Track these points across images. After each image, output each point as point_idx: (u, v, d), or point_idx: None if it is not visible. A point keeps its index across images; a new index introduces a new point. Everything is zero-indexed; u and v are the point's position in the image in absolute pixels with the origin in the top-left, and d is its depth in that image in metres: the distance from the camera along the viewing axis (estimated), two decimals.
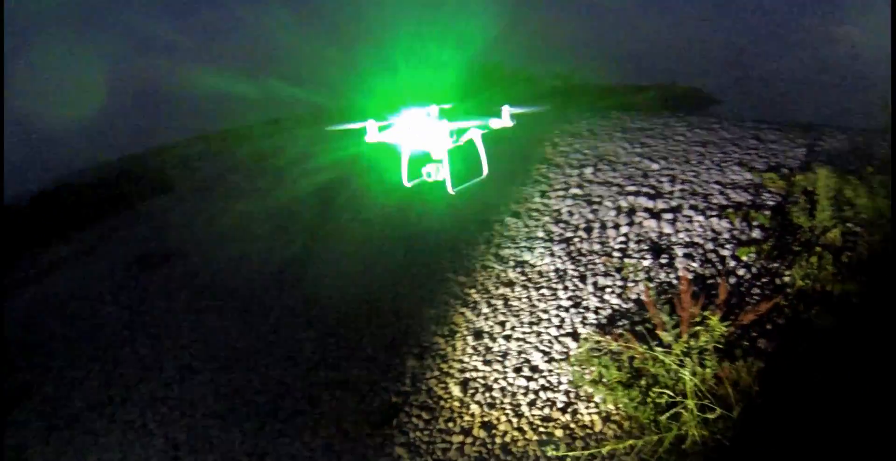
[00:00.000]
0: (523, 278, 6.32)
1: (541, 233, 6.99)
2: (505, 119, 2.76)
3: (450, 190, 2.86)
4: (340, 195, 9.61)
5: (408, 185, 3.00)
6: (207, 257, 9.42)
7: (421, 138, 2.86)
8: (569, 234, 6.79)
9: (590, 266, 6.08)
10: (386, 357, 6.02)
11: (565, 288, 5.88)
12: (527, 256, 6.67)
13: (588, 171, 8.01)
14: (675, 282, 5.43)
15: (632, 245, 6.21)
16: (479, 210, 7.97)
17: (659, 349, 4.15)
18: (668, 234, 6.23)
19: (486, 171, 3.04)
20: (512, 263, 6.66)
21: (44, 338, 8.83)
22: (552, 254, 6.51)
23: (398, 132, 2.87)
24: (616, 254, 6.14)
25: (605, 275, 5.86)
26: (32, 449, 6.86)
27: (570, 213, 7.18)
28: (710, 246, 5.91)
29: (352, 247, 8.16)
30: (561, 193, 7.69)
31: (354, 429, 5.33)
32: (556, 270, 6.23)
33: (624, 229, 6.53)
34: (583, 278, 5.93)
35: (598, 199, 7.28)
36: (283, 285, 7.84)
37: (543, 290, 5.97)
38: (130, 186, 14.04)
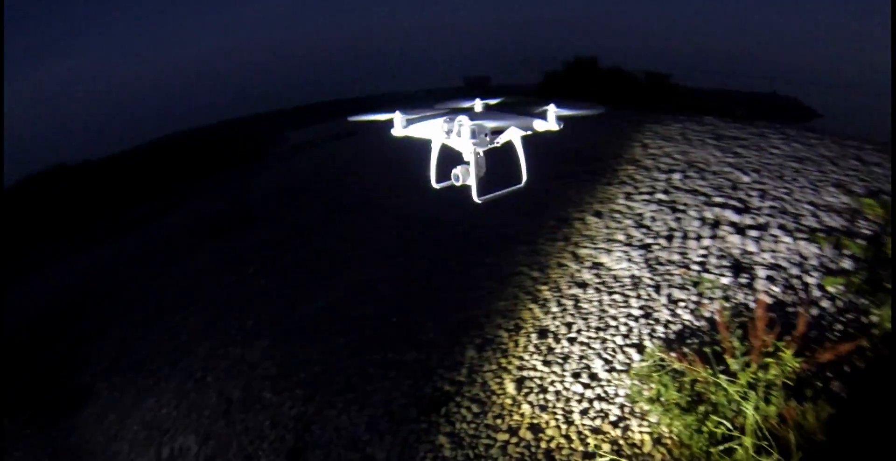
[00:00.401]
0: (597, 281, 6.30)
1: (621, 237, 6.93)
2: (550, 121, 2.40)
3: (475, 198, 2.54)
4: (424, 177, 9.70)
5: (436, 186, 2.71)
6: (281, 225, 9.71)
7: (453, 135, 2.54)
8: (649, 241, 6.71)
9: (666, 276, 6.01)
10: (446, 343, 6.12)
11: (638, 296, 5.83)
12: (604, 258, 6.64)
13: (676, 176, 7.87)
14: (752, 305, 5.30)
15: (712, 259, 6.09)
16: (561, 205, 7.95)
17: (723, 376, 4.05)
18: (752, 253, 6.07)
19: (524, 178, 2.69)
20: (588, 264, 6.64)
21: (117, 289, 9.34)
22: (629, 260, 6.46)
23: (428, 127, 2.56)
24: (695, 267, 6.04)
25: (681, 287, 5.78)
26: (97, 388, 7.36)
27: (653, 219, 7.09)
28: (794, 271, 5.74)
29: (428, 229, 8.27)
30: (646, 197, 7.59)
31: (401, 411, 5.44)
32: (632, 277, 6.17)
33: (706, 242, 6.41)
34: (657, 288, 5.87)
35: (683, 207, 7.16)
36: (351, 261, 8.03)
37: (616, 296, 5.94)
38: (220, 151, 14.58)
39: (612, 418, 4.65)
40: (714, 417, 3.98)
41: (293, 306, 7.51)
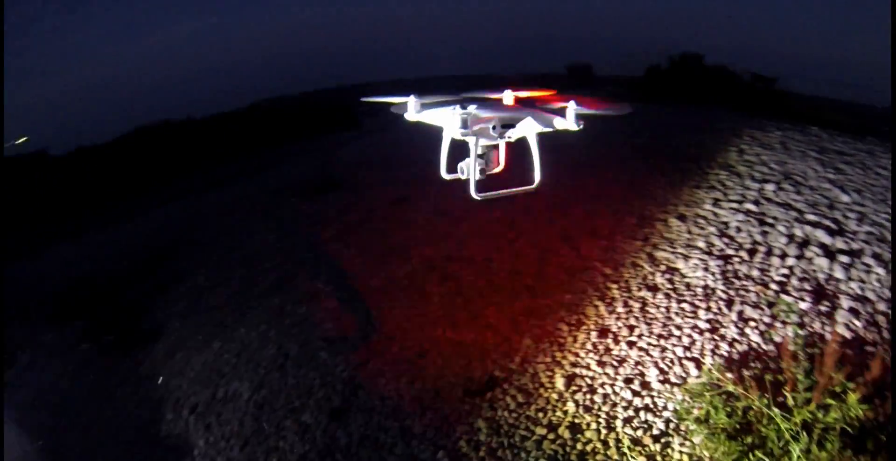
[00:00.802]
0: (669, 286, 6.17)
1: (701, 244, 6.75)
2: (569, 120, 2.22)
3: (473, 194, 2.35)
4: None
5: (446, 177, 2.54)
6: (370, 193, 9.85)
7: (488, 125, 2.36)
8: (730, 252, 6.51)
9: (741, 292, 5.83)
10: (505, 329, 6.15)
11: (708, 308, 5.68)
12: (680, 264, 6.49)
13: (769, 187, 7.57)
14: (827, 336, 5.06)
15: (794, 281, 5.86)
16: (646, 203, 7.80)
17: (778, 410, 3.86)
18: (838, 280, 5.79)
19: (538, 179, 2.47)
20: (663, 268, 6.51)
21: (205, 238, 9.72)
22: (706, 269, 6.29)
23: (440, 114, 2.34)
24: (774, 286, 5.83)
25: (755, 306, 5.60)
26: (171, 326, 7.77)
27: (738, 230, 6.86)
28: (882, 306, 5.42)
29: (516, 212, 8.24)
30: (734, 205, 7.34)
31: (448, 389, 5.56)
32: (706, 287, 6.02)
33: (790, 261, 6.16)
34: (730, 303, 5.70)
35: (771, 221, 6.89)
36: (432, 236, 8.09)
37: (685, 305, 5.81)
38: (321, 118, 14.86)
39: (655, 432, 4.58)
40: (759, 453, 3.78)
41: (364, 273, 7.68)
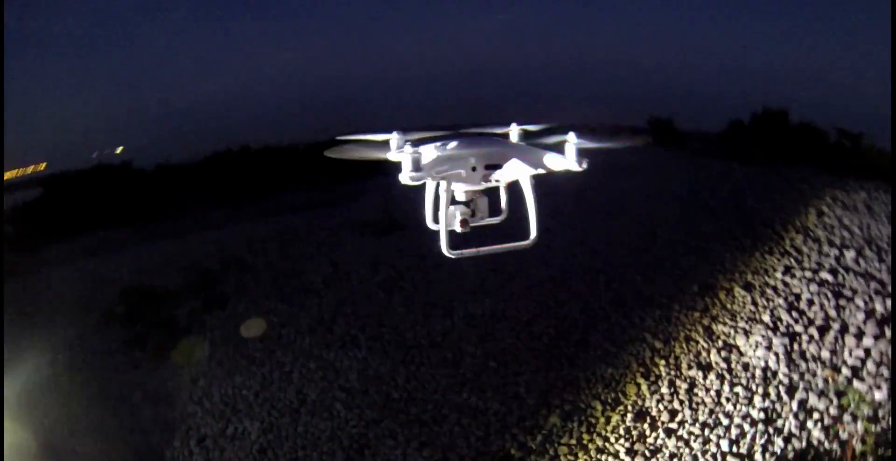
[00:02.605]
0: (723, 365, 5.52)
1: (766, 318, 6.06)
2: (569, 158, 1.74)
3: (444, 250, 1.87)
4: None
5: (432, 227, 2.03)
6: (424, 241, 9.52)
7: (450, 170, 1.88)
8: (798, 329, 5.79)
9: (807, 377, 5.12)
10: (534, 402, 5.67)
11: (766, 395, 5.00)
12: (739, 341, 5.82)
13: (850, 255, 6.79)
14: None
15: (870, 366, 5.11)
16: (711, 270, 7.16)
17: None
18: None
19: (534, 234, 1.98)
20: (720, 344, 5.86)
21: (258, 266, 9.65)
22: (769, 348, 5.60)
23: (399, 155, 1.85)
24: (845, 371, 5.09)
25: (821, 394, 4.88)
26: (203, 350, 7.72)
27: (810, 303, 6.13)
28: None
29: (561, 272, 7.75)
30: (808, 275, 6.61)
31: (459, 458, 5.20)
32: (766, 369, 5.34)
33: (868, 342, 5.39)
34: (791, 390, 5.00)
35: (849, 294, 6.13)
36: (477, 292, 7.66)
37: (739, 389, 5.15)
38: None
39: None
40: None
41: (403, 324, 7.34)
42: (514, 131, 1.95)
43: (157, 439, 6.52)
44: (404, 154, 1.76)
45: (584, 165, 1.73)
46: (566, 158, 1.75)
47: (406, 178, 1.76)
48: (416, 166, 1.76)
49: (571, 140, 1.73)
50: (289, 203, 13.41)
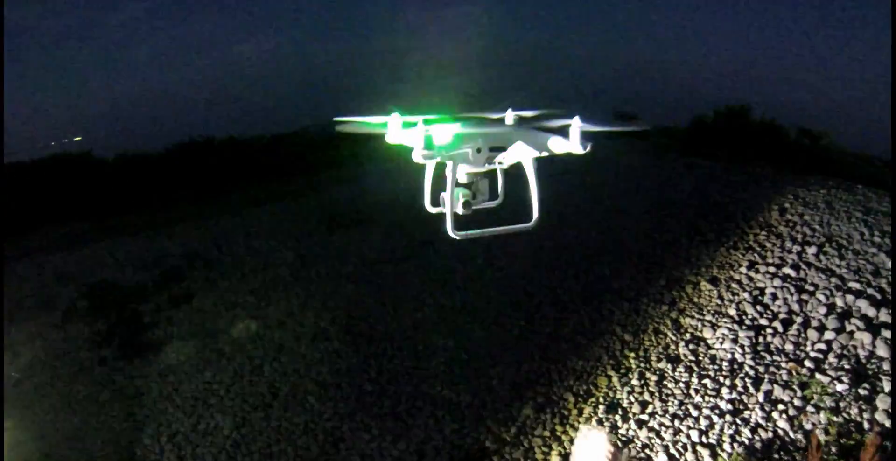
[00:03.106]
0: (692, 358, 5.65)
1: (732, 311, 6.21)
2: (573, 141, 1.77)
3: (450, 231, 1.87)
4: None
5: (431, 210, 2.05)
6: (392, 234, 9.51)
7: (451, 150, 1.88)
8: (762, 322, 5.95)
9: (772, 369, 5.26)
10: (507, 393, 5.76)
11: (732, 386, 5.14)
12: (707, 334, 5.96)
13: (811, 251, 6.98)
14: (868, 426, 4.44)
15: (831, 358, 5.27)
16: (677, 264, 7.30)
17: None
18: (882, 359, 5.16)
19: (535, 216, 1.98)
20: (687, 336, 6.00)
21: (224, 260, 9.57)
22: (735, 341, 5.74)
23: (411, 134, 1.87)
24: (808, 363, 5.24)
25: (785, 386, 5.02)
26: (171, 346, 7.77)
27: (774, 297, 6.30)
28: None
29: (529, 266, 7.82)
30: (772, 270, 6.78)
31: (433, 454, 5.25)
32: (732, 361, 5.47)
33: (829, 335, 5.56)
34: (757, 382, 5.14)
35: (811, 288, 6.31)
36: (446, 285, 7.70)
37: (707, 381, 5.28)
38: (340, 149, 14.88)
39: None
40: None
41: (373, 316, 7.35)
42: (509, 116, 2.00)
43: (128, 437, 6.44)
44: (417, 133, 1.79)
45: (588, 148, 1.81)
46: (570, 141, 1.81)
47: (419, 156, 1.80)
48: (429, 145, 1.79)
49: (576, 123, 1.78)
50: (253, 196, 13.28)
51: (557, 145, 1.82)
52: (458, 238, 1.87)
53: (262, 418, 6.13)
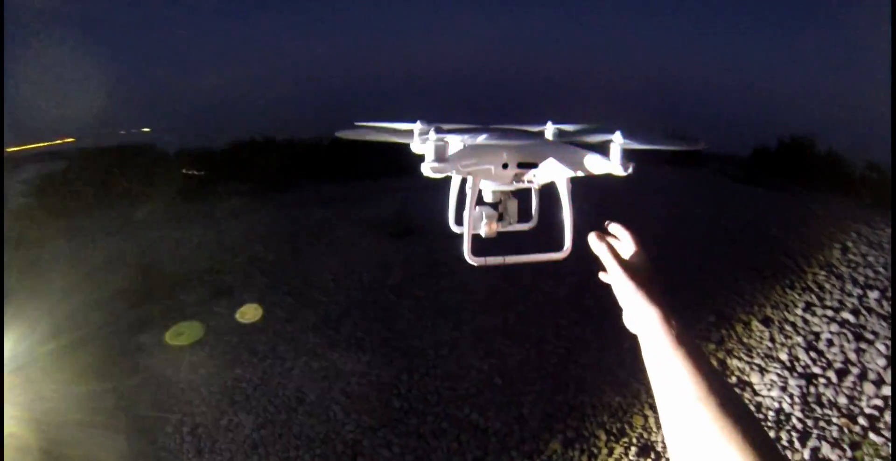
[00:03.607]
0: None
1: (784, 356, 5.90)
2: (613, 160, 1.45)
3: (467, 257, 1.58)
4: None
5: (455, 230, 1.79)
6: (438, 247, 9.40)
7: (478, 164, 1.60)
8: (815, 370, 5.64)
9: (821, 423, 4.96)
10: (536, 424, 5.56)
11: (776, 440, 4.84)
12: (754, 378, 5.67)
13: (873, 295, 6.62)
14: None
15: (887, 417, 4.95)
16: (728, 300, 7.01)
17: None
18: None
19: (568, 246, 1.69)
20: (734, 379, 5.71)
21: (269, 258, 9.56)
22: (784, 389, 5.44)
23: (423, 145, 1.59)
24: (862, 420, 4.93)
25: (834, 444, 4.72)
26: (206, 339, 7.60)
27: (830, 343, 5.98)
28: None
29: (577, 290, 7.60)
30: (830, 313, 6.45)
31: None
32: (779, 411, 5.18)
33: (887, 390, 5.23)
34: (804, 437, 4.84)
35: (871, 337, 5.97)
36: (487, 305, 7.54)
37: None
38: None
39: None
40: None
41: (410, 331, 7.22)
42: (549, 130, 1.70)
43: (152, 423, 6.43)
44: (428, 141, 1.48)
45: (631, 170, 1.44)
46: (610, 161, 1.46)
47: (427, 169, 1.45)
48: (441, 156, 1.47)
49: (617, 140, 1.45)
50: (302, 197, 13.35)
51: (595, 164, 1.50)
52: (475, 264, 1.59)
53: (285, 421, 6.04)
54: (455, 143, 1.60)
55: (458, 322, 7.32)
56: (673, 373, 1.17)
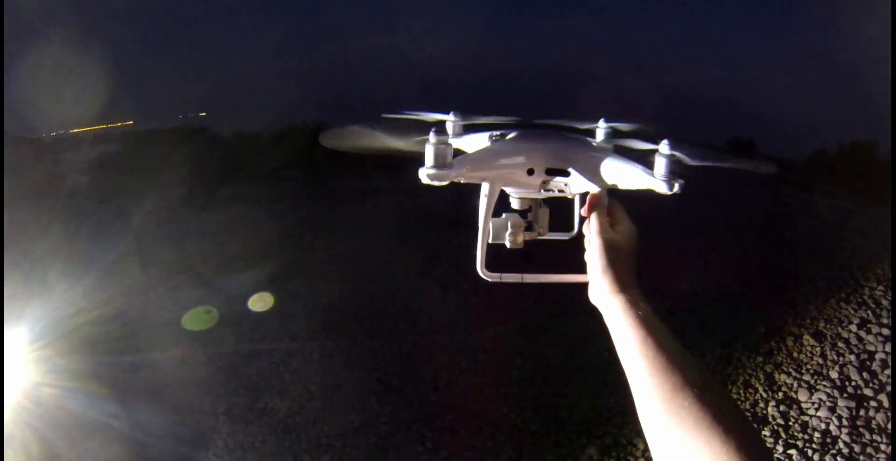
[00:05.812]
0: (780, 421, 5.28)
1: (834, 375, 5.76)
2: (657, 175, 1.21)
3: (480, 271, 1.43)
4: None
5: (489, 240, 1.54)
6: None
7: (494, 170, 1.39)
8: (867, 392, 5.49)
9: (869, 450, 4.84)
10: (575, 427, 5.62)
11: None
12: (802, 396, 5.55)
13: None
14: None
15: None
16: (780, 312, 6.86)
17: None
18: None
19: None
20: (780, 396, 5.61)
21: (317, 242, 9.61)
22: (832, 409, 5.32)
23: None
24: None
25: None
26: (250, 320, 7.58)
27: (884, 364, 5.81)
28: None
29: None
30: (885, 332, 6.26)
31: None
32: (826, 433, 5.07)
33: None
34: None
35: None
36: (535, 300, 7.51)
37: (793, 452, 4.92)
38: None
39: None
40: None
41: (455, 325, 7.29)
42: (600, 129, 1.45)
43: (189, 401, 6.44)
44: (427, 143, 1.23)
45: (677, 188, 1.20)
46: (653, 175, 1.22)
47: (424, 176, 1.23)
48: (441, 161, 1.22)
49: (664, 150, 1.20)
50: (356, 186, 13.35)
51: (634, 178, 1.26)
52: (489, 280, 1.43)
53: (319, 409, 6.11)
54: (467, 142, 1.48)
55: (505, 318, 7.30)
56: (632, 355, 1.18)
